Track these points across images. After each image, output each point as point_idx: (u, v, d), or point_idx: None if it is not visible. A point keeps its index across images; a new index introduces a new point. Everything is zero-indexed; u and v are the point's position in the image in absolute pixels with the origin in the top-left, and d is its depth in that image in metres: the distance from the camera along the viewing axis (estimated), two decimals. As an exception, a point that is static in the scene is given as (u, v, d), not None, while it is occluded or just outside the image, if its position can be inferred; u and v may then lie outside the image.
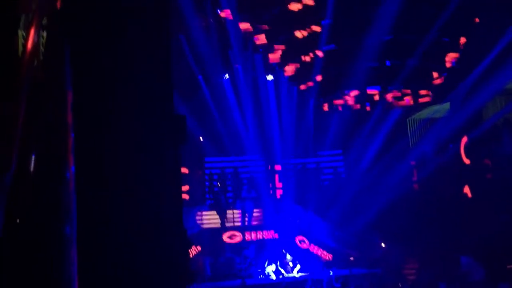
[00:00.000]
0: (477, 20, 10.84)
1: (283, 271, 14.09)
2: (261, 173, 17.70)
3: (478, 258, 11.96)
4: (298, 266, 14.21)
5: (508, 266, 11.76)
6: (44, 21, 3.10)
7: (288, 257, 14.48)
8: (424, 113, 16.61)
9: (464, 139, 13.10)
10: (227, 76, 16.92)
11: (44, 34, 2.88)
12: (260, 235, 15.83)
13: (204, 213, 16.77)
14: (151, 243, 3.45)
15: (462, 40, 11.19)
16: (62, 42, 2.95)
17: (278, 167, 18.02)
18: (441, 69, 11.82)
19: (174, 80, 3.93)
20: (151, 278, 3.40)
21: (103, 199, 3.08)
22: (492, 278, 11.06)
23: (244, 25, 12.67)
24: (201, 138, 17.37)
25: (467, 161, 13.12)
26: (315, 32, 11.53)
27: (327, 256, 15.54)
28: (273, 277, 13.94)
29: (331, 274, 13.49)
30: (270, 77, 17.26)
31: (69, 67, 2.82)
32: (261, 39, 12.24)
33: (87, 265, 2.72)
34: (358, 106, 13.45)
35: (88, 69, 3.54)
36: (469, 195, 13.14)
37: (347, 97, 12.65)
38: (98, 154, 3.13)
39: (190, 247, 4.97)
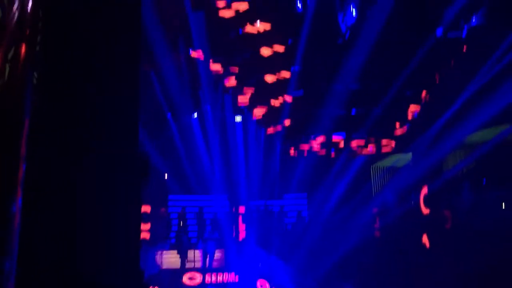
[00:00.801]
0: (437, 76, 11.41)
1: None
2: (225, 214, 17.56)
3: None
4: None
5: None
6: (11, 53, 3.08)
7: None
8: (387, 162, 17.00)
9: (424, 190, 13.41)
10: (195, 115, 16.99)
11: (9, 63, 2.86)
12: (220, 278, 15.52)
13: (164, 252, 16.39)
14: (103, 285, 3.33)
15: (424, 93, 11.70)
16: (26, 71, 2.92)
17: (242, 209, 17.93)
18: (404, 120, 12.26)
19: (143, 116, 3.91)
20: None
21: (51, 235, 2.99)
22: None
23: (215, 66, 12.87)
24: (166, 175, 17.19)
25: (426, 211, 13.39)
26: (284, 77, 11.82)
27: (287, 301, 15.33)
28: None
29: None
30: (238, 119, 17.44)
31: (30, 97, 2.79)
32: (231, 81, 12.45)
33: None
34: (324, 151, 13.70)
35: (52, 101, 3.49)
36: (427, 245, 13.34)
37: (313, 142, 12.88)
38: (50, 188, 3.05)
39: (146, 289, 4.84)
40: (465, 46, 12.09)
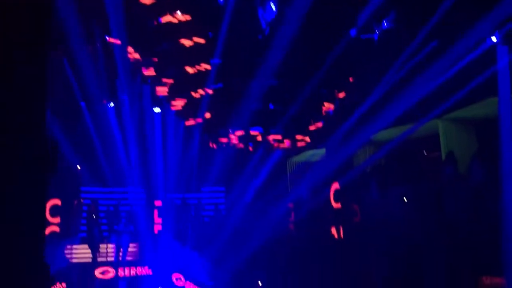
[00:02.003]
0: (351, 79, 11.99)
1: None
2: (141, 206, 17.22)
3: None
4: None
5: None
6: None
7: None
8: (302, 157, 17.57)
9: (335, 184, 14.02)
10: (112, 104, 16.45)
11: None
12: (134, 271, 15.23)
13: (74, 246, 15.78)
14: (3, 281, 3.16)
15: (338, 93, 12.22)
16: None
17: (158, 202, 17.68)
18: (318, 117, 12.72)
19: (54, 105, 3.74)
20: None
21: None
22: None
23: (134, 55, 12.52)
24: (78, 166, 16.51)
25: (336, 205, 14.01)
26: (205, 69, 11.76)
27: (202, 294, 15.39)
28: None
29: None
30: (157, 110, 17.14)
31: None
32: (150, 71, 12.16)
33: None
34: (242, 145, 13.85)
35: None
36: (336, 236, 13.98)
37: (231, 136, 12.96)
38: None
39: (52, 284, 4.65)
40: (376, 48, 12.78)
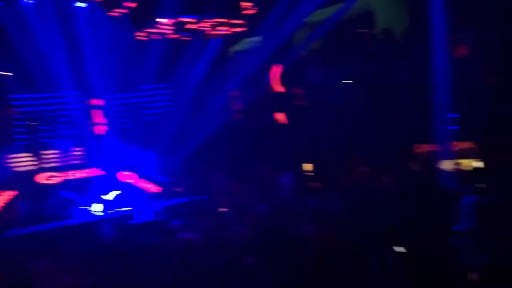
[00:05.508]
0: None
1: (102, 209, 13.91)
2: (81, 110, 16.67)
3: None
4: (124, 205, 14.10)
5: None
6: None
7: (111, 193, 14.30)
8: (242, 45, 17.17)
9: (275, 69, 13.98)
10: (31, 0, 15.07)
11: None
12: (82, 174, 15.24)
13: (17, 155, 15.42)
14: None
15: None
16: None
17: (100, 103, 17.13)
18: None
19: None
20: None
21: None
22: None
23: None
24: (8, 73, 15.53)
25: (279, 89, 14.10)
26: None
27: (154, 189, 15.70)
28: (98, 213, 13.72)
29: (153, 206, 13.56)
30: (81, 4, 15.85)
31: None
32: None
33: None
34: (176, 36, 13.22)
35: None
36: (281, 121, 14.29)
37: (163, 27, 12.27)
38: None
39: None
40: None
